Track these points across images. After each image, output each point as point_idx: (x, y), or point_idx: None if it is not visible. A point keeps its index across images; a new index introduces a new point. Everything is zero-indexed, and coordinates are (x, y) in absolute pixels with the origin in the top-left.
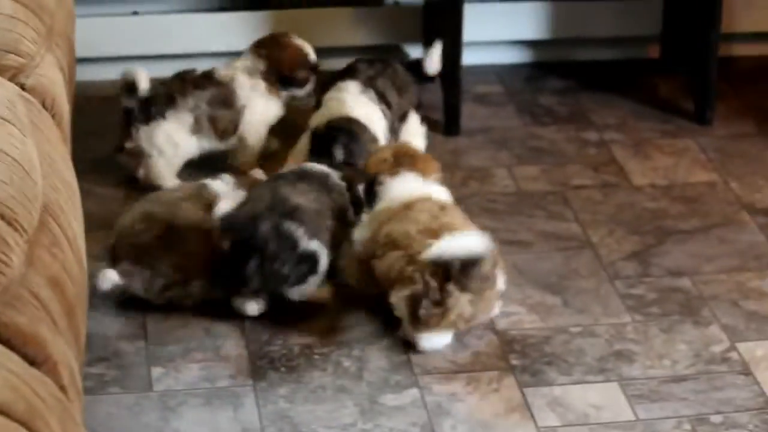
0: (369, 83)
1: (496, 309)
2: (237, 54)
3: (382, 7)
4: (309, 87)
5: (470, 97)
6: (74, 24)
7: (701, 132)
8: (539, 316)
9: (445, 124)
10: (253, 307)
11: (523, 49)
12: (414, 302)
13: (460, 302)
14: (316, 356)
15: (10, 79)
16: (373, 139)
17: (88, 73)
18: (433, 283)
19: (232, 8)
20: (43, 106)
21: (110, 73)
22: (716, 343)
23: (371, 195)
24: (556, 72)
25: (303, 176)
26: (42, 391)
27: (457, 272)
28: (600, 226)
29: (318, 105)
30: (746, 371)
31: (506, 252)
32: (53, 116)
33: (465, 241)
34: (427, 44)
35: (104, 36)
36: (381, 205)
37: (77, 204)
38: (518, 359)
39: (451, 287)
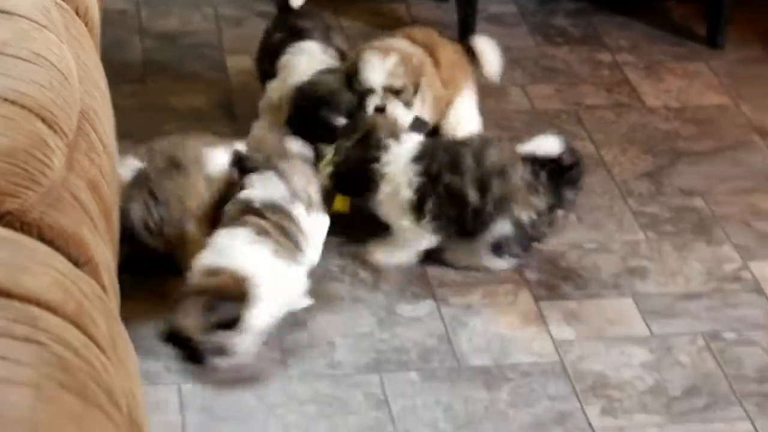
0: (327, 42)
1: None
2: None
3: None
4: None
5: (484, 16)
6: None
7: (713, 56)
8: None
9: (459, 43)
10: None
11: None
12: None
13: None
14: (334, 268)
15: None
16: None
17: None
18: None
19: None
20: (77, 14)
21: None
22: (729, 261)
23: None
24: None
25: None
26: (88, 291)
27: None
28: (613, 146)
29: (272, 74)
30: (758, 290)
31: None
32: (86, 24)
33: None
34: None
35: None
36: None
37: (109, 111)
38: (534, 273)
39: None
